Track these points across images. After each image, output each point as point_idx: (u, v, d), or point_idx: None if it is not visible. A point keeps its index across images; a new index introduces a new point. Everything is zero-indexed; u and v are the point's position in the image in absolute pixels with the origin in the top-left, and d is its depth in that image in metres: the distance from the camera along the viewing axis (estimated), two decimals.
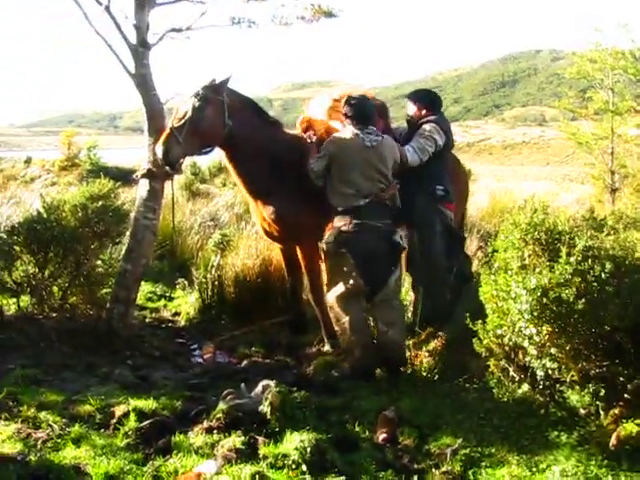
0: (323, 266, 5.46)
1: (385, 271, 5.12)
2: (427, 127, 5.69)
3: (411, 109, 6.00)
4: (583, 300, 3.59)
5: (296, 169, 5.55)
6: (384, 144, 5.27)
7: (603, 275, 3.61)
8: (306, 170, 5.39)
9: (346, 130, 5.34)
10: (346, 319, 5.08)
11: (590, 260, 3.67)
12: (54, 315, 6.13)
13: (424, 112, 5.87)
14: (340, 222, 5.14)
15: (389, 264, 5.15)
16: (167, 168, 5.36)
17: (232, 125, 5.41)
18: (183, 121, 5.24)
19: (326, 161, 5.26)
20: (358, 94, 5.56)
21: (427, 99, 6.00)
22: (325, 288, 5.33)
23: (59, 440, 3.76)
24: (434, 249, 5.59)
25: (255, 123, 5.65)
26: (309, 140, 5.61)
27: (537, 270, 3.81)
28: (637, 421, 3.64)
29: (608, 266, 3.62)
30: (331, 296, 5.18)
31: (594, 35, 13.55)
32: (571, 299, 3.60)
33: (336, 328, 5.24)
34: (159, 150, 5.21)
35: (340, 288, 5.09)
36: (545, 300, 3.67)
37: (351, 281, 5.05)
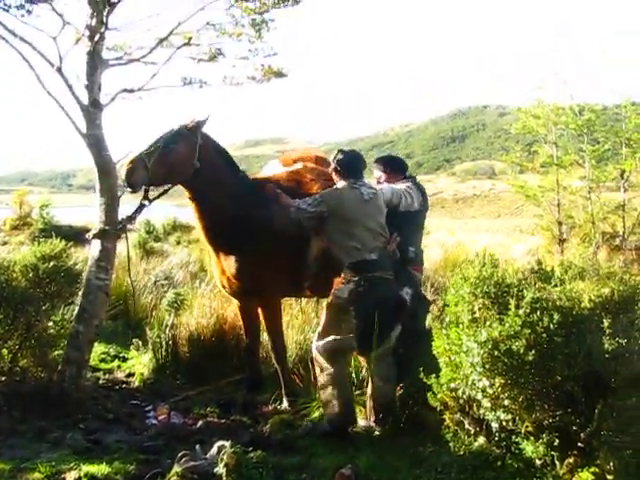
0: (323, 314, 5.30)
1: (389, 326, 5.07)
2: (402, 185, 5.79)
3: (378, 174, 6.09)
4: (533, 351, 3.65)
5: (263, 223, 5.58)
6: (379, 196, 5.29)
7: (551, 326, 3.68)
8: (277, 219, 5.41)
9: (341, 184, 5.30)
10: (331, 371, 5.05)
11: (539, 312, 3.73)
12: (3, 378, 5.97)
13: (392, 177, 5.96)
14: (352, 277, 5.05)
15: (393, 319, 5.11)
16: (128, 190, 5.35)
17: (200, 168, 5.46)
18: (153, 148, 5.27)
19: (322, 209, 5.17)
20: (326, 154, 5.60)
21: (393, 165, 6.12)
22: (317, 335, 5.24)
23: None
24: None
25: (223, 171, 5.70)
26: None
27: (487, 323, 3.87)
28: (592, 469, 3.68)
29: (556, 317, 3.69)
30: (320, 346, 5.11)
31: (537, 92, 14.04)
32: (521, 351, 3.66)
33: (318, 379, 5.21)
34: (124, 171, 5.22)
35: (332, 342, 5.05)
36: (496, 352, 3.72)
37: (348, 340, 5.01)
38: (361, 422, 5.22)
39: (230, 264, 5.72)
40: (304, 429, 5.17)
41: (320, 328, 5.26)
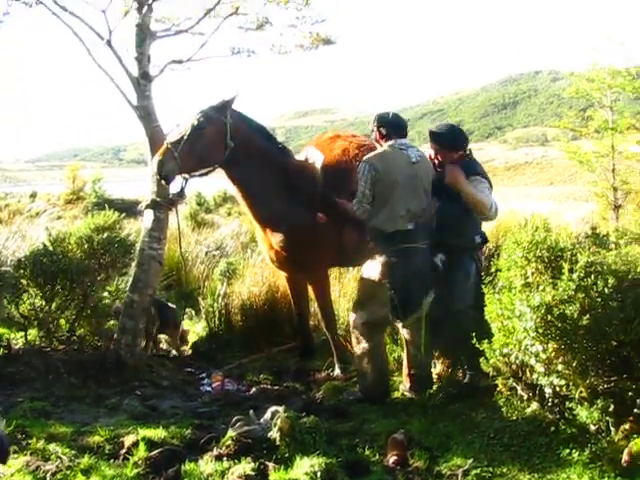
0: (356, 285, 5.38)
1: (421, 293, 5.00)
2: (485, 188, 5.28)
3: (434, 147, 5.37)
4: (587, 316, 3.58)
5: (305, 196, 5.58)
6: (425, 159, 5.16)
7: (606, 290, 3.60)
8: (315, 198, 5.44)
9: (386, 146, 5.08)
10: (366, 345, 5.06)
11: (593, 276, 3.66)
12: (62, 347, 6.14)
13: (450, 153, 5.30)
14: (386, 248, 4.96)
15: (426, 286, 5.01)
16: (163, 182, 5.34)
17: (235, 147, 5.36)
18: (180, 136, 5.20)
19: (371, 179, 4.93)
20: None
21: (455, 140, 5.39)
22: (353, 306, 5.27)
23: (68, 472, 3.74)
24: (465, 296, 5.10)
25: (260, 147, 5.60)
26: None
27: (540, 287, 3.81)
28: None
29: (611, 281, 3.62)
30: (358, 319, 5.10)
31: (591, 54, 13.66)
32: (575, 315, 3.60)
33: (355, 350, 5.22)
34: (155, 164, 5.20)
35: (369, 316, 5.04)
36: (549, 317, 3.67)
37: (382, 313, 5.00)
38: (401, 386, 5.27)
39: (277, 239, 5.71)
40: (352, 395, 5.22)
41: (355, 301, 5.27)
